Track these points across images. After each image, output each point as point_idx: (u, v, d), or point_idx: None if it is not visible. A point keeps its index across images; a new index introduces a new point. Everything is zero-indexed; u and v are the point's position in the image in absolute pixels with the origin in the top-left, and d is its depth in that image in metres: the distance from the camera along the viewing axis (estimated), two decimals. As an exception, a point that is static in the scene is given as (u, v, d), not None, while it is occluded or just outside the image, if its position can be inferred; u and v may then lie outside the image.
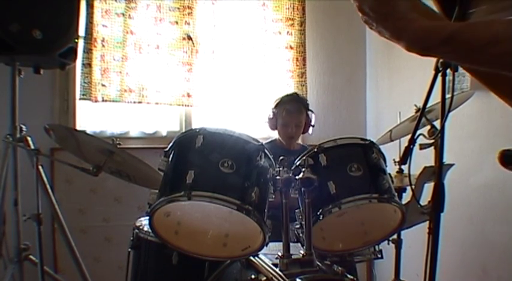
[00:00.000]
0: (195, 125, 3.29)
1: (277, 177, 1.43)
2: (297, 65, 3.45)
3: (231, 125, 3.04)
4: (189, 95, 3.20)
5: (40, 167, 2.11)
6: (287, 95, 2.77)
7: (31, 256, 2.17)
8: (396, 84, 3.36)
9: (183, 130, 3.18)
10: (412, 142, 1.40)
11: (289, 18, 3.44)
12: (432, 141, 1.68)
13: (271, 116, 2.72)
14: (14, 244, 2.17)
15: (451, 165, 2.16)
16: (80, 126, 3.11)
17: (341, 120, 3.64)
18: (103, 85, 3.03)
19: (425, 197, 1.99)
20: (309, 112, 2.73)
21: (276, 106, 2.72)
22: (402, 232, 2.20)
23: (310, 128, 2.75)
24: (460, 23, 0.76)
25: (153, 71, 3.12)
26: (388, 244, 2.20)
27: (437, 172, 1.47)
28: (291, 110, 2.66)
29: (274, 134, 2.83)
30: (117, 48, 3.05)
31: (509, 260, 2.41)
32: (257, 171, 1.42)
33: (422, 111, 1.41)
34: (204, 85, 3.24)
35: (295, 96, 2.78)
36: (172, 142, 1.51)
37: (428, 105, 1.50)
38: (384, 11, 0.78)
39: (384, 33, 0.80)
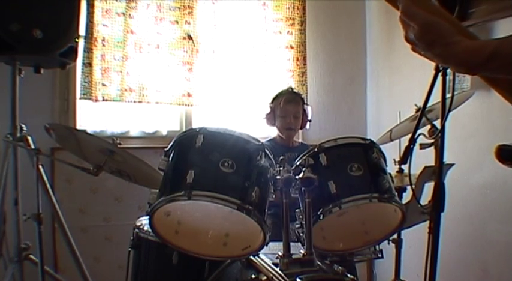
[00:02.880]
0: (196, 124, 3.29)
1: (278, 176, 1.43)
2: (297, 65, 3.45)
3: (232, 125, 3.04)
4: (189, 95, 3.20)
5: (40, 166, 2.11)
6: (283, 90, 2.81)
7: (31, 256, 2.17)
8: (396, 83, 3.36)
9: (184, 130, 3.18)
10: (413, 141, 1.40)
11: (290, 18, 3.44)
12: (432, 141, 1.68)
13: (268, 111, 2.75)
14: (14, 243, 2.18)
15: (452, 165, 2.16)
16: (80, 125, 3.11)
17: (341, 119, 3.64)
18: (103, 85, 3.03)
19: (426, 197, 1.99)
20: (305, 106, 2.76)
21: (273, 100, 2.75)
22: (402, 232, 2.20)
23: (308, 123, 2.77)
24: (500, 39, 0.79)
25: (153, 71, 3.12)
26: (389, 243, 2.20)
27: (437, 171, 1.48)
28: (288, 100, 2.70)
29: (274, 134, 2.84)
30: (117, 47, 3.05)
31: (509, 260, 2.41)
32: (257, 170, 1.42)
33: (423, 111, 1.41)
34: (204, 85, 3.24)
35: (291, 90, 2.82)
36: (173, 141, 1.51)
37: (429, 105, 1.50)
38: (429, 38, 0.81)
39: (432, 58, 0.84)
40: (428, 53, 0.83)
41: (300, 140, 3.05)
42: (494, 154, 0.93)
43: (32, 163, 2.09)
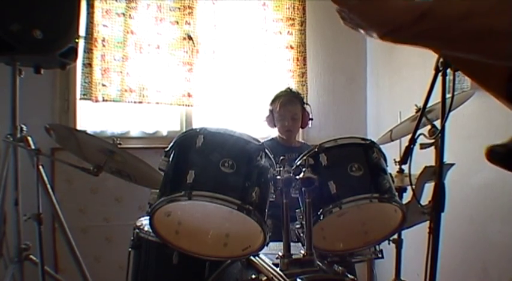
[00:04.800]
0: (196, 125, 3.29)
1: (278, 177, 1.43)
2: (297, 65, 3.45)
3: (232, 125, 3.04)
4: (189, 95, 3.20)
5: (40, 167, 2.11)
6: (281, 91, 2.83)
7: (31, 256, 2.17)
8: (397, 84, 3.36)
9: (184, 130, 3.19)
10: (413, 141, 1.40)
11: (290, 18, 3.44)
12: (433, 141, 1.68)
13: (268, 114, 2.77)
14: (15, 243, 2.17)
15: (452, 165, 2.16)
16: (80, 126, 3.11)
17: (341, 120, 3.64)
18: (103, 85, 3.03)
19: (426, 197, 1.99)
20: (305, 106, 2.77)
21: (272, 103, 2.77)
22: (403, 232, 2.20)
23: (310, 122, 2.78)
24: (434, 0, 0.74)
25: (153, 71, 3.12)
26: (389, 243, 2.20)
27: (437, 171, 1.48)
28: (285, 102, 2.71)
29: (274, 133, 2.85)
30: (117, 48, 3.05)
31: (509, 260, 2.41)
32: (257, 171, 1.42)
33: (423, 111, 1.41)
34: (204, 85, 3.24)
35: (289, 91, 2.83)
36: (173, 141, 1.51)
37: (429, 105, 1.50)
38: None
39: (356, 19, 0.77)
40: (353, 11, 0.76)
41: (301, 140, 3.05)
42: (485, 155, 0.92)
43: (32, 163, 2.09)
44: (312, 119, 2.81)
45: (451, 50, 0.78)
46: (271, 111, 2.76)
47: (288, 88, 2.89)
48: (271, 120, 2.76)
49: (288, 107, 2.70)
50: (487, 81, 0.97)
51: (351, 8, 0.76)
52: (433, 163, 1.93)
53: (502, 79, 0.90)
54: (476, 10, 0.70)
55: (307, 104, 2.81)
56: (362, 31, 0.79)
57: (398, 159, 1.87)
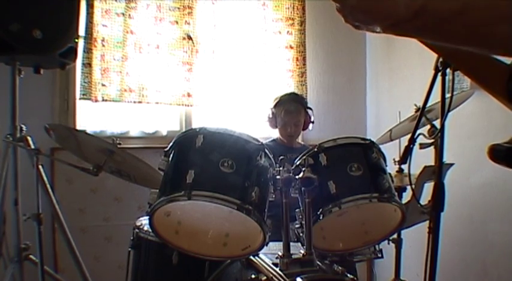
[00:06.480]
0: (195, 124, 3.29)
1: (278, 176, 1.43)
2: (297, 65, 3.45)
3: (231, 125, 3.04)
4: (189, 95, 3.20)
5: (40, 166, 2.11)
6: (285, 95, 2.82)
7: (31, 256, 2.17)
8: (396, 83, 3.36)
9: (183, 130, 3.18)
10: (412, 141, 1.41)
11: (289, 18, 3.44)
12: (432, 140, 1.68)
13: (270, 116, 2.77)
14: (14, 243, 2.17)
15: (451, 164, 2.16)
16: (80, 126, 3.11)
17: (341, 119, 3.64)
18: (103, 85, 3.03)
19: (426, 197, 1.99)
20: (308, 110, 2.77)
21: (275, 106, 2.76)
22: (402, 232, 2.20)
23: (310, 124, 2.80)
24: None
25: (153, 71, 3.12)
26: (389, 243, 2.20)
27: (437, 171, 1.48)
28: (290, 110, 2.72)
29: (275, 134, 2.85)
30: (117, 48, 3.05)
31: (509, 260, 2.41)
32: (257, 170, 1.42)
33: (422, 111, 1.41)
34: (204, 85, 3.24)
35: (293, 96, 2.83)
36: (173, 141, 1.51)
37: (428, 104, 1.50)
38: None
39: (358, 16, 0.80)
40: (356, 6, 0.79)
41: (302, 142, 3.07)
42: (487, 154, 0.92)
43: (32, 163, 2.09)
44: (313, 122, 2.81)
45: (451, 43, 0.81)
46: (274, 114, 2.77)
47: (293, 93, 2.90)
48: (273, 122, 2.78)
49: (293, 115, 2.73)
50: (487, 81, 0.98)
51: (353, 5, 0.79)
52: (432, 163, 1.93)
53: (501, 79, 0.91)
54: (472, 5, 0.73)
55: (310, 108, 2.81)
56: (364, 28, 0.81)
57: (398, 159, 1.88)
